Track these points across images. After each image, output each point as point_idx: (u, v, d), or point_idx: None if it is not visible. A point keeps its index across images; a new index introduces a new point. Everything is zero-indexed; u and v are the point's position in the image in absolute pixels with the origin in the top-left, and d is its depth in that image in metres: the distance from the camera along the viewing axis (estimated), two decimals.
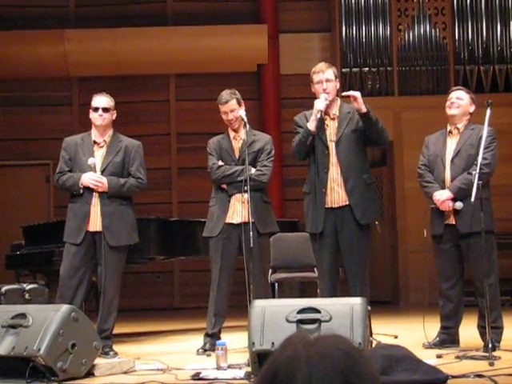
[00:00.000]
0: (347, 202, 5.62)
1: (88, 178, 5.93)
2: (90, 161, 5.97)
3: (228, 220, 6.12)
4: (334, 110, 5.75)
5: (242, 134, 6.18)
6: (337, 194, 5.64)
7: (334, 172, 5.65)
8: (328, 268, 5.68)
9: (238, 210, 6.08)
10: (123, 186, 6.00)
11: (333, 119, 5.74)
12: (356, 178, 5.65)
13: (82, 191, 5.95)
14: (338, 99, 5.84)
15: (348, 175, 5.64)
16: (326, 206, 5.64)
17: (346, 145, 5.66)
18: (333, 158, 5.65)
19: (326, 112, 5.71)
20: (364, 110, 5.57)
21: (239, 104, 6.21)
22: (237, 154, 6.21)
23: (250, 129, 6.21)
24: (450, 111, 5.98)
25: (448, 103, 6.00)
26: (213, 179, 6.21)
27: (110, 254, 5.93)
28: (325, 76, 5.71)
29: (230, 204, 6.13)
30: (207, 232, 6.25)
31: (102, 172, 6.00)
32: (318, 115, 5.57)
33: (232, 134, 6.28)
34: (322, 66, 5.81)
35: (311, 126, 5.61)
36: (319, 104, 5.59)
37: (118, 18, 11.95)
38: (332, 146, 5.67)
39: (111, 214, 5.95)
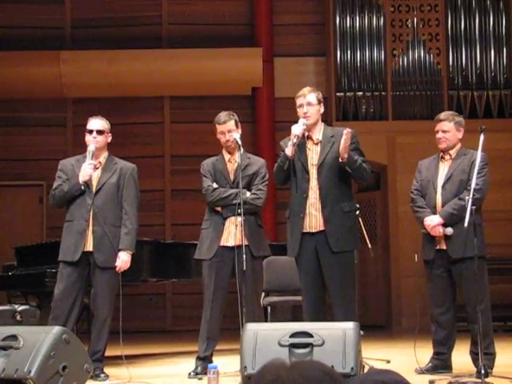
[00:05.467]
0: (323, 228, 5.58)
1: (84, 167, 5.93)
2: (91, 148, 5.98)
3: (222, 243, 6.10)
4: (317, 135, 5.71)
5: (237, 156, 6.18)
6: (314, 219, 5.59)
7: (313, 197, 5.60)
8: (308, 292, 5.64)
9: (233, 232, 6.07)
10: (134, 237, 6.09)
11: (316, 144, 5.70)
12: (334, 206, 5.57)
13: (83, 187, 5.92)
14: (322, 124, 5.80)
15: (326, 202, 5.57)
16: (304, 231, 5.59)
17: (327, 170, 5.60)
18: (312, 183, 5.60)
19: (309, 136, 5.70)
20: (344, 157, 5.49)
21: (237, 126, 6.22)
22: (231, 177, 6.21)
23: (244, 152, 6.22)
24: (439, 145, 6.03)
25: (436, 136, 6.03)
26: (208, 201, 6.21)
27: (102, 275, 5.93)
28: (306, 100, 5.70)
29: (225, 227, 6.12)
30: (199, 254, 6.23)
31: (97, 192, 6.01)
32: (295, 140, 5.54)
33: (227, 156, 6.28)
34: (304, 90, 5.79)
35: (288, 150, 5.57)
36: (296, 129, 5.56)
37: (114, 40, 12.00)
38: (313, 170, 5.63)
39: (103, 234, 5.95)
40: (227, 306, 6.16)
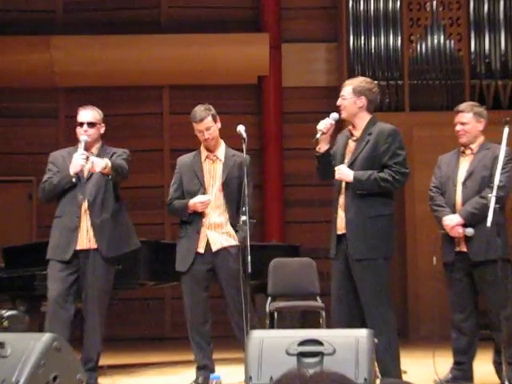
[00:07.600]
0: (344, 231, 5.60)
1: (76, 157, 5.88)
2: (82, 138, 5.97)
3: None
4: (357, 131, 5.69)
5: (220, 152, 6.19)
6: (340, 220, 5.63)
7: (342, 197, 5.63)
8: (336, 296, 5.67)
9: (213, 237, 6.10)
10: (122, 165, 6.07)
11: (355, 141, 5.69)
12: (360, 208, 5.55)
13: (74, 180, 5.87)
14: (368, 118, 5.70)
15: (351, 203, 5.57)
16: (338, 233, 5.64)
17: (358, 170, 5.57)
18: (343, 183, 5.63)
19: (351, 132, 5.72)
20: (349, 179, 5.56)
21: (215, 120, 6.19)
22: (206, 180, 6.18)
23: (226, 147, 6.24)
24: (459, 139, 6.04)
25: (455, 129, 6.05)
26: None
27: (98, 270, 5.91)
28: (341, 92, 5.74)
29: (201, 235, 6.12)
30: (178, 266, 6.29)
31: (88, 180, 6.03)
32: (317, 135, 5.59)
33: (204, 153, 6.26)
34: (346, 81, 5.87)
35: (319, 146, 5.67)
36: (320, 124, 5.63)
37: (109, 25, 11.98)
38: None
39: (102, 224, 5.95)
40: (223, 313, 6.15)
